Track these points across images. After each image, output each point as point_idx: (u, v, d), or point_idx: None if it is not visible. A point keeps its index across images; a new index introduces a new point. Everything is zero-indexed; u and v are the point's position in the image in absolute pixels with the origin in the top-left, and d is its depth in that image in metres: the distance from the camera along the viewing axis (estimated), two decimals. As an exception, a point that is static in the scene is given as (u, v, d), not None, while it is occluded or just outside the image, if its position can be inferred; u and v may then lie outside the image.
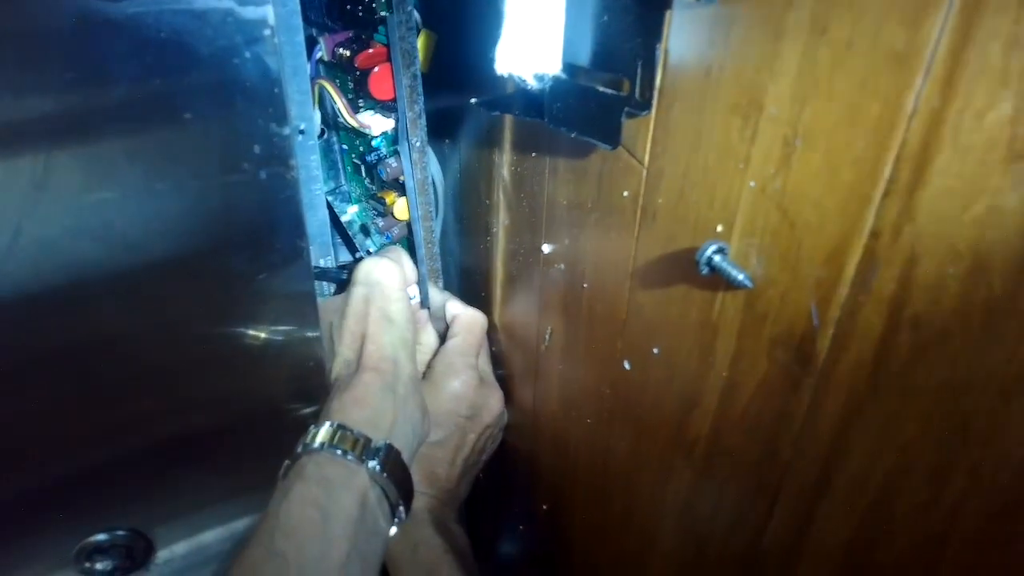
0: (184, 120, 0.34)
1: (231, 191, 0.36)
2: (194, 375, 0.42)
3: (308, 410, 0.46)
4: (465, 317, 0.55)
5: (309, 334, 0.43)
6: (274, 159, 0.36)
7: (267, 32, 0.33)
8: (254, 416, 0.45)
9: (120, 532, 0.47)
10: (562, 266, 0.39)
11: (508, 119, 0.45)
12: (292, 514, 0.34)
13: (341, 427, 0.39)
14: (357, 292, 0.48)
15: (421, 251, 0.55)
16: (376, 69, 0.47)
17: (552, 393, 0.44)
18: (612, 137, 0.28)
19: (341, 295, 0.50)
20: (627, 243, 0.30)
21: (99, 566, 0.46)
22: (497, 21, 0.32)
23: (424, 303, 0.58)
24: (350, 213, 0.60)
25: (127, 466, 0.44)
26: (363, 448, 0.38)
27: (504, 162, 0.48)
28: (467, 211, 0.56)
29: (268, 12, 0.33)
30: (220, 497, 0.48)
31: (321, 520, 0.34)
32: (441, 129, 0.55)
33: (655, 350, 0.29)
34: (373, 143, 0.53)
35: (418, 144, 0.49)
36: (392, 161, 0.51)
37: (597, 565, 0.41)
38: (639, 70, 0.25)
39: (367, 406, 0.41)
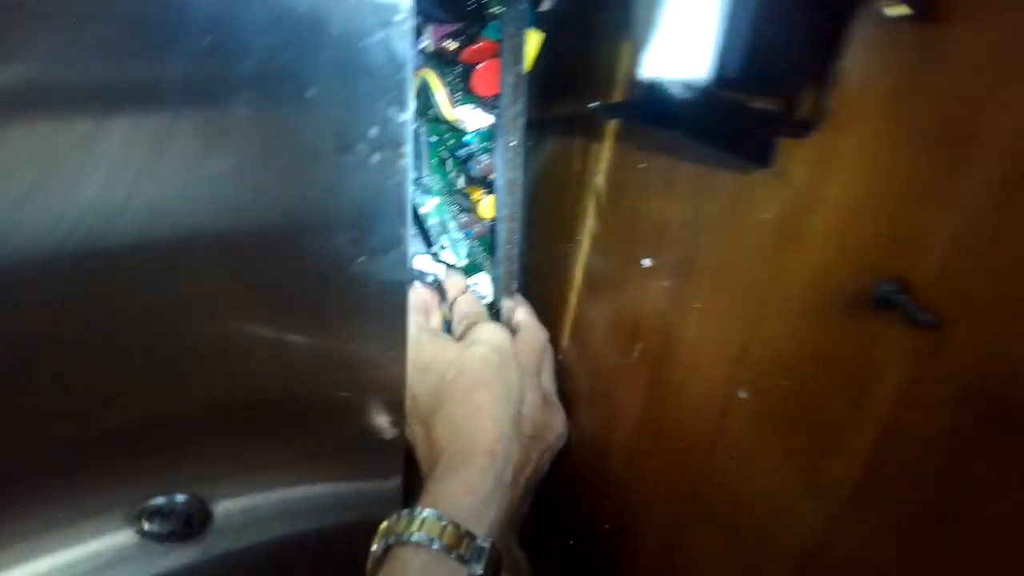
0: (308, 96, 0.33)
1: (343, 171, 0.35)
2: (278, 346, 0.41)
3: (377, 398, 0.46)
4: (528, 335, 0.54)
5: (394, 324, 0.42)
6: (388, 144, 0.35)
7: (400, 17, 0.33)
8: (327, 393, 0.44)
9: (180, 497, 0.47)
10: (667, 283, 0.38)
11: (611, 123, 0.44)
12: None
13: (452, 523, 0.37)
14: (484, 354, 0.47)
15: (500, 252, 0.54)
16: (481, 65, 0.46)
17: (634, 411, 0.43)
18: (763, 157, 0.27)
19: (458, 348, 0.48)
20: (760, 267, 0.29)
21: (157, 528, 0.46)
22: (639, 23, 0.31)
23: (495, 304, 0.57)
24: (430, 206, 0.60)
25: (198, 429, 0.43)
26: (468, 547, 0.37)
27: (600, 169, 0.47)
28: (546, 214, 0.55)
29: (406, -4, 0.32)
30: (281, 465, 0.48)
31: None
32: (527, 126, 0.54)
33: (783, 382, 0.27)
34: (465, 138, 0.52)
35: (514, 144, 0.48)
36: (484, 158, 0.50)
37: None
38: (807, 88, 0.24)
39: (478, 497, 0.40)
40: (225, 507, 0.47)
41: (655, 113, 0.32)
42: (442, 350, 0.47)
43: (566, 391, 0.56)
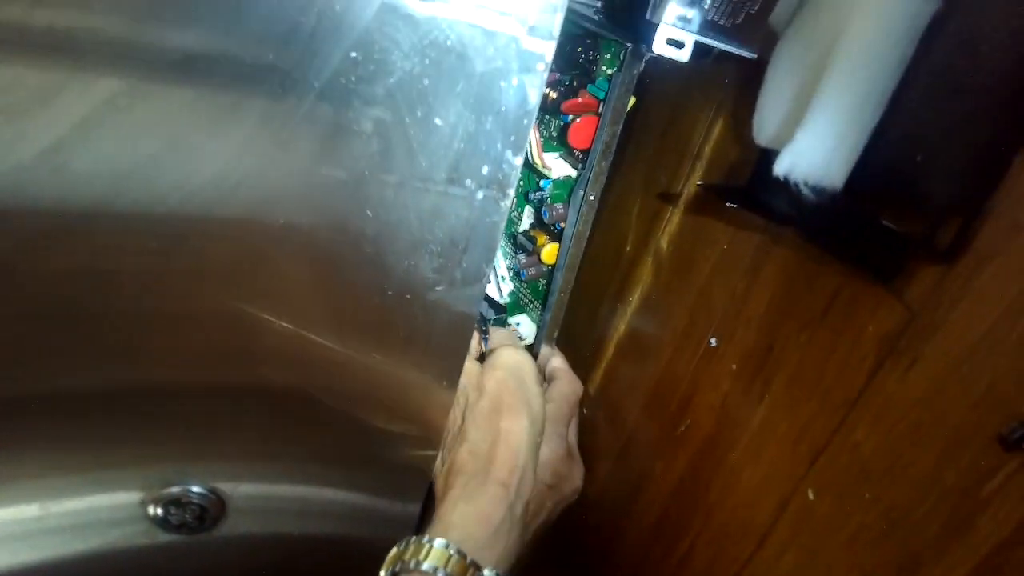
0: (432, 124, 0.34)
1: (446, 201, 0.36)
2: (336, 354, 0.41)
3: (418, 424, 0.45)
4: (563, 385, 0.54)
5: (454, 356, 0.42)
6: (496, 184, 0.36)
7: (541, 66, 0.33)
8: (371, 408, 0.44)
9: (196, 488, 0.46)
10: (734, 366, 0.38)
11: (688, 187, 0.44)
12: None
13: (458, 553, 0.38)
14: (500, 377, 0.48)
15: (553, 298, 0.54)
16: (580, 119, 0.47)
17: (670, 484, 0.43)
18: (886, 273, 0.28)
19: (478, 371, 0.49)
20: (854, 375, 0.29)
21: (170, 517, 0.45)
22: (770, 114, 0.32)
23: (534, 348, 0.57)
24: (484, 240, 0.60)
25: (235, 418, 0.43)
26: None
27: (665, 233, 0.48)
28: (596, 267, 0.55)
29: (550, 48, 0.33)
30: (307, 467, 0.47)
31: None
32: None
33: (867, 495, 0.28)
34: (541, 183, 0.53)
35: (592, 199, 0.49)
36: (559, 206, 0.51)
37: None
38: (954, 215, 0.25)
39: (488, 527, 0.40)
40: (243, 503, 0.47)
41: (771, 203, 0.33)
42: (466, 374, 0.47)
43: (586, 446, 0.56)
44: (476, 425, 0.46)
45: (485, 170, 0.36)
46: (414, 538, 0.39)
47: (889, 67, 0.26)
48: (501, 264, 0.60)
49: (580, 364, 0.57)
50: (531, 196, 0.53)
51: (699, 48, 0.38)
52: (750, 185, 0.35)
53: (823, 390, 0.31)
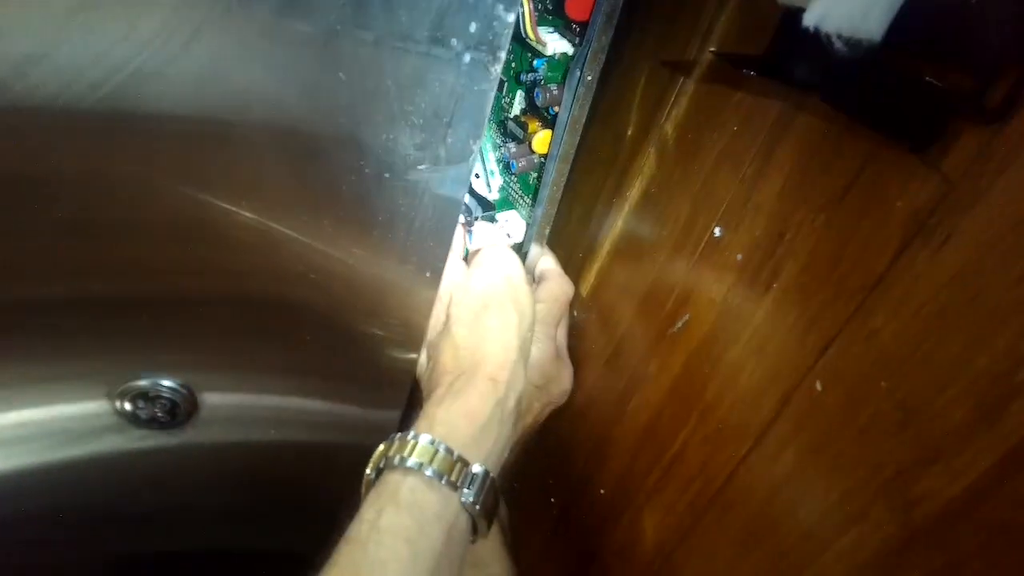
0: (413, -31, 0.30)
1: (429, 64, 0.32)
2: (307, 245, 0.38)
3: (400, 321, 0.43)
4: (553, 286, 0.52)
5: (438, 243, 0.39)
6: (485, 45, 0.32)
7: (536, -100, 0.29)
8: (349, 304, 0.42)
9: (167, 382, 0.44)
10: (740, 256, 0.35)
11: (699, 65, 0.40)
12: (383, 546, 0.32)
13: (444, 448, 0.36)
14: (488, 277, 0.46)
15: (545, 192, 0.51)
16: (578, -15, 0.42)
17: (665, 383, 0.41)
18: (922, 139, 0.24)
19: (463, 270, 0.47)
20: (874, 259, 0.27)
21: (138, 411, 0.43)
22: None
23: (524, 247, 0.54)
24: (473, 129, 0.56)
25: (208, 313, 0.40)
26: (460, 472, 0.36)
27: (671, 119, 0.44)
28: (592, 157, 0.52)
29: None
30: (284, 372, 0.45)
31: (410, 558, 0.33)
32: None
33: (883, 384, 0.25)
34: (534, 62, 0.48)
35: (589, 79, 0.45)
36: (554, 88, 0.47)
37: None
38: (1009, 69, 0.22)
39: (475, 423, 0.38)
40: (215, 401, 0.45)
41: (788, 67, 0.29)
42: (449, 272, 0.45)
43: (576, 350, 0.54)
44: (463, 323, 0.44)
45: (473, 28, 0.31)
46: (399, 435, 0.38)
47: None
48: (491, 157, 0.56)
49: (572, 265, 0.54)
50: (523, 78, 0.49)
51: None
52: (770, 49, 0.31)
53: (839, 276, 0.29)
